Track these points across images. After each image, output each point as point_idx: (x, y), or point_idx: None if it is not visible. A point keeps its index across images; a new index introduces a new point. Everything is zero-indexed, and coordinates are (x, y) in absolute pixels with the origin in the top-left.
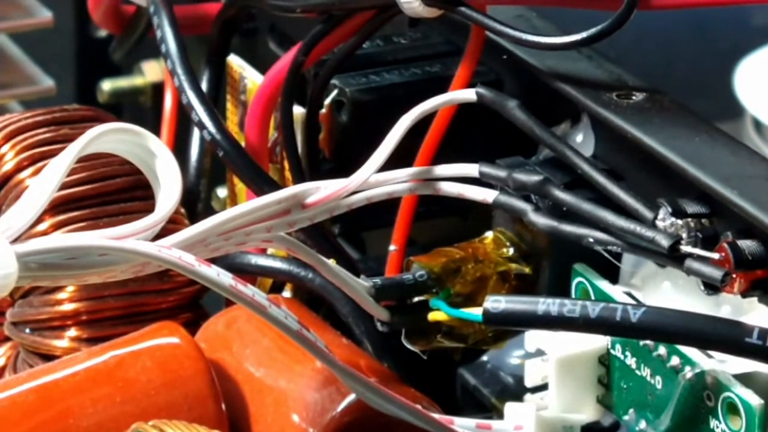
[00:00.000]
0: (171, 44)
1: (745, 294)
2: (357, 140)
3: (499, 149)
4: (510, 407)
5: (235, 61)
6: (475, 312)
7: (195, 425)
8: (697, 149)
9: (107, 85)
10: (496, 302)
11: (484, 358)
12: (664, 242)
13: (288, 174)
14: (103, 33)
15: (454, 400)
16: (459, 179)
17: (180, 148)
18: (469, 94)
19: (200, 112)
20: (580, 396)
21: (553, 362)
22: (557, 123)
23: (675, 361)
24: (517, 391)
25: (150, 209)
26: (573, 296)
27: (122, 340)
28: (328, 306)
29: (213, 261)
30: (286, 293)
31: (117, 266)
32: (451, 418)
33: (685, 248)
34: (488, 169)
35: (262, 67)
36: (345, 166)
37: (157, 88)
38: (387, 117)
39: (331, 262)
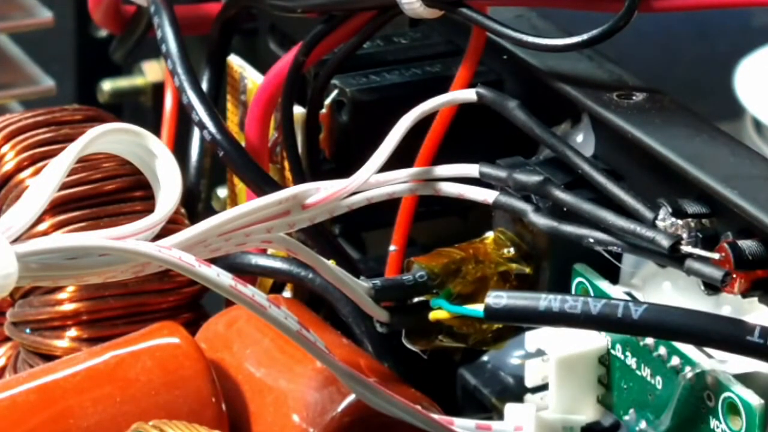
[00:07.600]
0: (171, 44)
1: (745, 294)
2: (357, 140)
3: (499, 149)
4: (510, 408)
5: (235, 61)
6: (476, 308)
7: (195, 425)
8: (697, 149)
9: (107, 85)
10: (498, 298)
11: (485, 358)
12: (665, 242)
13: (288, 174)
14: (103, 33)
15: (455, 401)
16: (459, 179)
17: (180, 148)
18: (470, 95)
19: (200, 112)
20: (580, 396)
21: (554, 362)
22: (558, 123)
23: (675, 361)
24: (517, 391)
25: (150, 209)
26: None
27: (122, 340)
28: (329, 306)
29: (213, 261)
30: (287, 293)
31: (117, 266)
32: (452, 418)
33: (686, 248)
34: (488, 170)
35: (262, 67)
36: (345, 167)
37: (158, 88)
38: (387, 117)
39: (331, 263)
